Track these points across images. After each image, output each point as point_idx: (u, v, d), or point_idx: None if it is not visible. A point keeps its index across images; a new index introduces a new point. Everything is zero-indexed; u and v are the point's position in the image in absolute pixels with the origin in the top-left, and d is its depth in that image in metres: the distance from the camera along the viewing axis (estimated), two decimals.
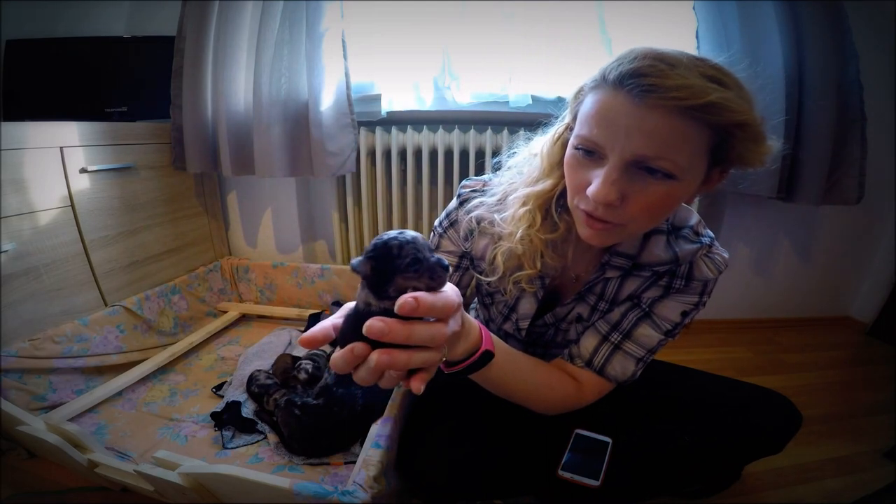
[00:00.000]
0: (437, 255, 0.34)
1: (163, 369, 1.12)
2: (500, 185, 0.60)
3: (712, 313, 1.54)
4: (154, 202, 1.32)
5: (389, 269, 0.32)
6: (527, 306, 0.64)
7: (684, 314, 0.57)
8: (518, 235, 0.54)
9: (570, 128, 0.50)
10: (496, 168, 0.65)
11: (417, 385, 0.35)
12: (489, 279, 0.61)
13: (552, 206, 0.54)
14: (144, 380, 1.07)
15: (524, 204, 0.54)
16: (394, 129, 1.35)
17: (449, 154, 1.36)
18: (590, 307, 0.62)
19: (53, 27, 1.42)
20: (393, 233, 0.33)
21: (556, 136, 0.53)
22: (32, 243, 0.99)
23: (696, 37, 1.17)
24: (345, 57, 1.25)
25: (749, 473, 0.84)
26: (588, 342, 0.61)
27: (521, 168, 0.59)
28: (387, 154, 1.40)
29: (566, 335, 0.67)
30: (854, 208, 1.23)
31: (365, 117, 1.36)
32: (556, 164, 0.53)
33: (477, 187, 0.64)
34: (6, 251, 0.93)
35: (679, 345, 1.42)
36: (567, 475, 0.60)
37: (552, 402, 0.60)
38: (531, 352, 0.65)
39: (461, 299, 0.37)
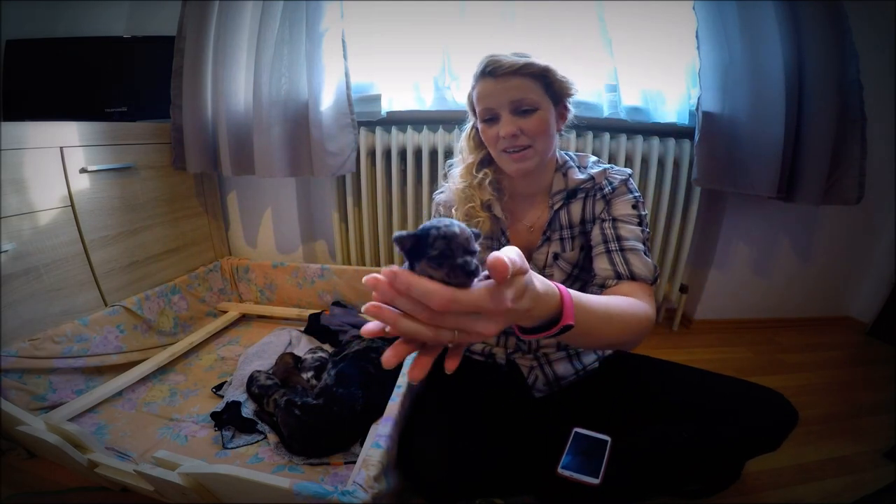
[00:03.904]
0: (469, 258, 0.32)
1: (163, 369, 1.12)
2: (450, 177, 0.84)
3: (712, 313, 1.54)
4: (154, 202, 1.33)
5: (420, 253, 0.33)
6: None
7: (634, 206, 0.73)
8: (461, 189, 0.77)
9: (474, 120, 0.77)
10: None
11: (449, 365, 0.36)
12: None
13: (474, 168, 0.78)
14: (144, 380, 1.07)
15: (460, 172, 0.79)
16: (394, 129, 1.35)
17: (449, 154, 1.36)
18: (559, 241, 0.77)
19: (53, 27, 1.42)
20: (445, 221, 0.34)
21: (468, 131, 0.79)
22: (32, 243, 0.99)
23: (696, 37, 1.17)
24: (345, 57, 1.25)
25: (749, 473, 0.84)
26: (601, 265, 0.70)
27: (458, 160, 0.83)
28: (387, 154, 1.40)
29: (552, 280, 0.71)
30: (854, 208, 1.23)
31: (365, 117, 1.36)
32: (473, 147, 0.78)
33: (444, 185, 0.85)
34: (6, 251, 0.93)
35: (679, 344, 1.43)
36: (567, 473, 0.60)
37: (636, 325, 0.57)
38: None
39: (503, 294, 0.33)
